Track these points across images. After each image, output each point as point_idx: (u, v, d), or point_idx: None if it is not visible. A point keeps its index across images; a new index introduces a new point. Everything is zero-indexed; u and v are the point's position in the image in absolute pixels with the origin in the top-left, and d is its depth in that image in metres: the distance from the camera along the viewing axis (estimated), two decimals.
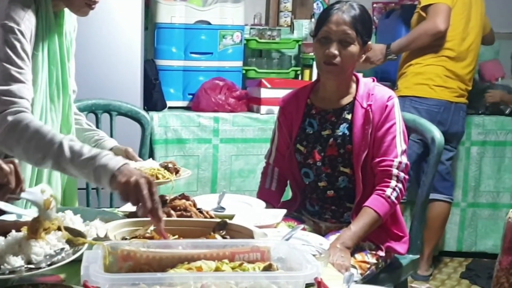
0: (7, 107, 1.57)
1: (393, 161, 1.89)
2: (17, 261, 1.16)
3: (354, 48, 1.91)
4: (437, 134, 2.16)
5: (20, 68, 1.63)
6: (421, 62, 3.17)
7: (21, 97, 1.60)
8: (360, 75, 2.03)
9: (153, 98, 3.32)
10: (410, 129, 2.17)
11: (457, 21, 3.13)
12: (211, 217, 1.55)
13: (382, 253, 1.95)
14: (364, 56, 1.98)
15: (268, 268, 1.10)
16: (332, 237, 1.88)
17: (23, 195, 1.23)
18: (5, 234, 1.25)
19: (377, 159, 1.91)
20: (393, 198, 1.88)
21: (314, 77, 3.49)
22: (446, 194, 3.36)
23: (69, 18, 1.86)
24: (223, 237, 1.31)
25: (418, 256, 2.19)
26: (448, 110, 3.20)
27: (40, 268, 1.15)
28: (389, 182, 1.88)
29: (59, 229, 1.25)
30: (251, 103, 3.45)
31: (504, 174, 3.58)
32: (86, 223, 1.46)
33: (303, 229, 1.74)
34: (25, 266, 1.16)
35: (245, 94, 3.45)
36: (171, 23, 3.41)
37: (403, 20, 3.48)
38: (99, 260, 1.06)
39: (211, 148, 3.30)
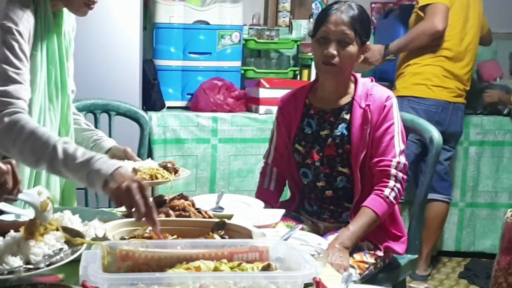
0: (4, 108, 1.57)
1: (391, 161, 1.89)
2: (15, 262, 1.16)
3: (352, 48, 1.91)
4: (435, 134, 2.16)
5: (18, 68, 1.62)
6: (419, 62, 3.18)
7: (18, 98, 1.60)
8: (358, 75, 2.03)
9: (152, 98, 3.32)
10: (409, 129, 2.17)
11: (455, 21, 3.13)
12: (210, 217, 1.55)
13: (380, 253, 1.96)
14: (362, 57, 1.98)
15: (267, 268, 1.10)
16: (331, 237, 1.88)
17: (20, 196, 1.22)
18: (3, 234, 1.25)
19: (376, 159, 1.91)
20: (391, 198, 1.88)
21: (313, 77, 3.49)
22: (445, 194, 3.37)
23: (68, 18, 1.86)
24: (222, 237, 1.31)
25: (416, 256, 2.19)
26: (446, 110, 3.21)
27: (39, 268, 1.15)
28: (388, 182, 1.89)
29: (57, 229, 1.25)
30: (249, 103, 3.45)
31: (502, 174, 3.58)
32: (84, 223, 1.46)
33: (302, 229, 1.74)
34: (24, 266, 1.16)
35: (243, 94, 3.45)
36: (170, 23, 3.41)
37: (402, 20, 3.48)
38: (98, 260, 1.06)
39: (209, 148, 3.30)
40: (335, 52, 1.90)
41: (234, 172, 3.32)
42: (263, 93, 3.33)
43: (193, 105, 3.41)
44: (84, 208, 1.90)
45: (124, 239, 1.28)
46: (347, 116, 1.96)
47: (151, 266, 1.09)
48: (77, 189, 1.99)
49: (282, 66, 3.72)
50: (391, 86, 3.20)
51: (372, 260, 1.92)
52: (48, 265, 1.16)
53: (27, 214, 1.47)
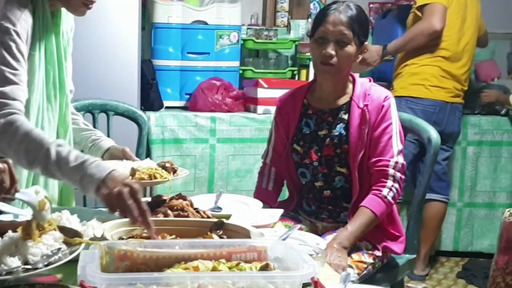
0: (0, 109, 1.57)
1: (389, 161, 1.89)
2: (14, 262, 1.16)
3: (350, 48, 1.91)
4: (433, 134, 2.17)
5: (15, 69, 1.62)
6: (417, 62, 3.18)
7: (14, 99, 1.60)
8: (356, 75, 2.04)
9: (150, 98, 3.32)
10: (407, 129, 2.17)
11: (453, 21, 3.13)
12: (208, 217, 1.55)
13: (378, 253, 1.96)
14: (360, 57, 1.98)
15: (265, 268, 1.10)
16: (329, 237, 1.88)
17: (17, 195, 1.22)
18: (1, 234, 1.25)
19: (374, 159, 1.91)
20: (389, 198, 1.88)
21: (311, 77, 3.49)
22: (443, 194, 3.37)
23: (66, 17, 1.86)
24: (220, 237, 1.31)
25: (414, 255, 2.19)
26: (444, 110, 3.21)
27: (37, 268, 1.15)
28: (386, 182, 1.89)
29: (55, 229, 1.25)
30: (248, 103, 3.45)
31: (500, 174, 3.59)
32: (83, 223, 1.46)
33: (300, 229, 1.74)
34: (22, 266, 1.16)
35: (242, 94, 3.45)
36: (168, 23, 3.41)
37: (400, 20, 3.49)
38: (96, 260, 1.06)
39: (208, 148, 3.30)
40: (333, 52, 1.90)
41: (232, 172, 3.32)
42: (261, 93, 3.33)
43: (192, 105, 3.40)
44: (82, 208, 1.90)
45: (122, 239, 1.28)
46: (345, 116, 1.96)
47: (149, 266, 1.09)
48: (75, 189, 1.99)
49: (280, 66, 3.72)
50: (389, 86, 3.20)
51: (370, 260, 1.92)
52: (46, 265, 1.16)
53: (25, 214, 1.47)
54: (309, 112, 2.03)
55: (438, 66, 3.17)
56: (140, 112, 2.55)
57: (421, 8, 3.08)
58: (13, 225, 1.28)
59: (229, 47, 3.50)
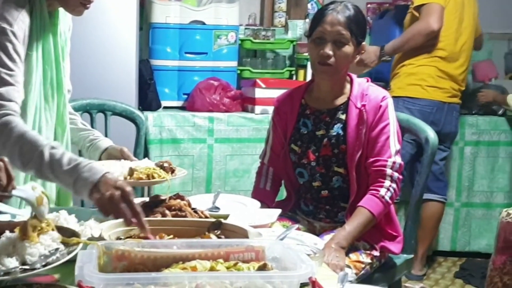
0: None
1: (387, 161, 1.90)
2: (11, 263, 1.16)
3: (348, 48, 1.91)
4: (431, 134, 2.17)
5: (11, 70, 1.62)
6: (414, 62, 3.18)
7: (9, 100, 1.59)
8: (354, 75, 2.04)
9: (148, 98, 3.32)
10: (404, 129, 2.18)
11: (450, 21, 3.13)
12: (206, 217, 1.55)
13: (376, 253, 1.96)
14: (358, 57, 1.98)
15: (263, 267, 1.10)
16: (327, 237, 1.88)
17: (14, 192, 1.22)
18: None
19: (371, 159, 1.91)
20: (387, 198, 1.88)
21: (309, 77, 3.49)
22: (440, 194, 3.37)
23: (64, 17, 1.86)
24: (218, 237, 1.31)
25: (412, 255, 2.20)
26: (441, 111, 3.21)
27: (35, 269, 1.15)
28: (383, 182, 1.89)
29: (53, 229, 1.25)
30: (245, 103, 3.45)
31: (497, 174, 3.60)
32: (80, 223, 1.46)
33: (298, 228, 1.75)
34: (20, 267, 1.16)
35: (239, 94, 3.45)
36: (166, 23, 3.41)
37: (397, 21, 3.49)
38: (94, 260, 1.06)
39: (205, 148, 3.30)
40: (331, 53, 1.90)
41: (230, 172, 3.32)
42: (259, 93, 3.33)
43: (189, 105, 3.41)
44: (80, 208, 1.90)
45: (120, 239, 1.28)
46: (343, 116, 1.97)
47: (147, 266, 1.09)
48: None
49: (278, 66, 3.72)
50: (386, 86, 3.20)
51: (368, 260, 1.92)
52: (44, 266, 1.16)
53: (23, 214, 1.47)
54: (307, 112, 2.03)
55: (435, 66, 3.17)
56: (138, 112, 2.55)
57: (418, 8, 3.08)
58: (10, 226, 1.28)
59: (227, 47, 3.50)
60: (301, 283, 1.07)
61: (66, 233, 1.25)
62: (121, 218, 1.31)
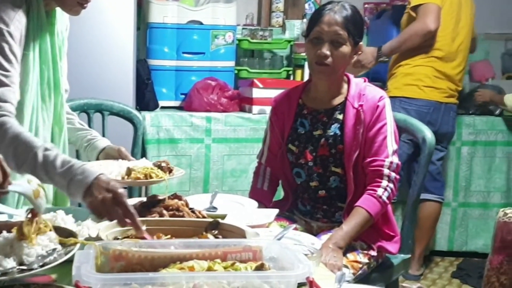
0: None
1: (384, 161, 1.90)
2: (9, 263, 1.15)
3: (345, 48, 1.92)
4: (428, 134, 2.17)
5: (6, 71, 1.61)
6: (411, 63, 3.19)
7: (5, 101, 1.59)
8: (351, 75, 2.04)
9: (145, 98, 3.32)
10: (401, 129, 2.18)
11: (447, 21, 3.14)
12: (204, 217, 1.55)
13: (373, 253, 1.96)
14: (355, 57, 1.99)
15: (260, 267, 1.10)
16: (324, 237, 1.88)
17: (10, 187, 1.21)
18: None
19: (368, 159, 1.92)
20: (384, 198, 1.88)
21: (306, 77, 3.49)
22: (437, 194, 3.38)
23: (61, 17, 1.86)
24: (215, 237, 1.31)
25: (409, 255, 2.20)
26: (438, 111, 3.22)
27: (32, 269, 1.15)
28: (380, 182, 1.89)
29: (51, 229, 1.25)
30: (243, 103, 3.46)
31: (494, 174, 3.60)
32: (78, 223, 1.46)
33: (295, 228, 1.75)
34: (17, 267, 1.15)
35: (237, 94, 3.45)
36: (163, 23, 3.41)
37: (394, 21, 3.49)
38: (91, 260, 1.06)
39: (203, 148, 3.30)
40: (328, 53, 1.90)
41: (227, 172, 3.32)
42: (257, 93, 3.33)
43: (187, 105, 3.40)
44: (78, 208, 1.89)
45: (118, 239, 1.28)
46: (340, 116, 1.97)
47: (144, 266, 1.09)
48: None
49: (275, 66, 3.73)
50: (383, 86, 3.21)
51: (365, 260, 1.92)
52: (41, 266, 1.15)
53: (20, 214, 1.47)
54: (304, 112, 2.03)
55: (431, 67, 3.18)
56: (136, 112, 2.55)
57: (415, 8, 3.09)
58: (7, 226, 1.28)
59: (224, 47, 3.50)
60: (298, 283, 1.07)
61: (64, 233, 1.25)
62: (114, 220, 1.31)
